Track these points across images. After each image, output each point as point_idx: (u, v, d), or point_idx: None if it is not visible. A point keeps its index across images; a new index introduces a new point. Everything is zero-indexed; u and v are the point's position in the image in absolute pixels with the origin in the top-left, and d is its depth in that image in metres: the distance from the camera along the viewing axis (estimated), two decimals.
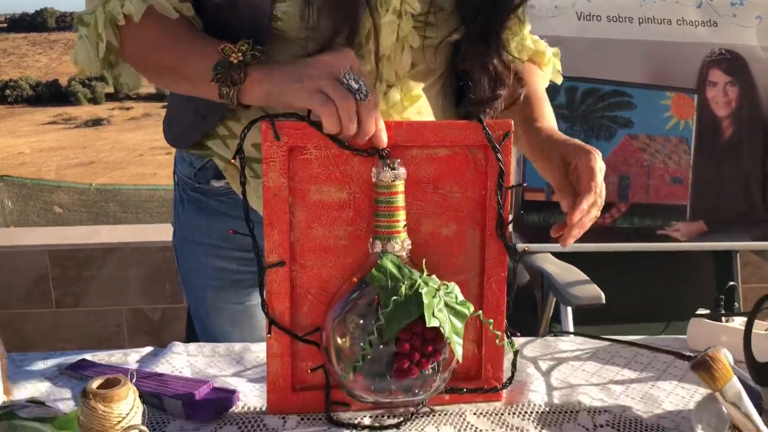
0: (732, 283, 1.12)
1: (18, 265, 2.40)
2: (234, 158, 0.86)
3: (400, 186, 0.84)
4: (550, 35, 2.03)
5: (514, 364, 0.95)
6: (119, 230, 2.52)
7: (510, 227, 0.93)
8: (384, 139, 0.84)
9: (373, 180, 0.84)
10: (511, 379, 0.94)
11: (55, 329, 2.44)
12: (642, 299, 2.16)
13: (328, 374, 0.88)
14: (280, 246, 0.86)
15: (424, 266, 0.84)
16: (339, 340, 0.83)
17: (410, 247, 0.85)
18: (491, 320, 0.89)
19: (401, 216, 0.84)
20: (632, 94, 2.07)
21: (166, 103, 1.25)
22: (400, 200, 0.84)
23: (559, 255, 1.94)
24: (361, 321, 0.81)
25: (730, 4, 2.13)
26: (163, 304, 2.46)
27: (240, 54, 0.88)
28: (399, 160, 0.84)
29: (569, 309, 1.80)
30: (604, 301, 1.63)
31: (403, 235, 0.85)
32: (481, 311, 0.87)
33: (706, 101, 2.08)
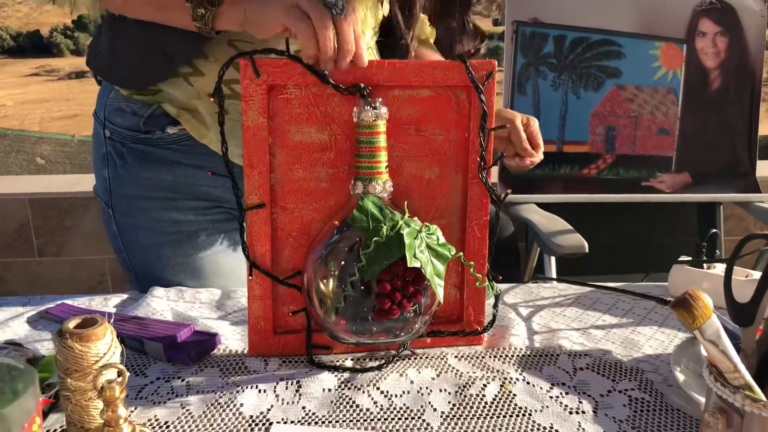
0: (714, 230, 1.12)
1: None
2: (213, 96, 0.83)
3: (381, 126, 0.82)
4: None
5: (495, 306, 0.95)
6: None
7: (494, 173, 0.92)
8: (365, 58, 0.83)
9: (354, 120, 0.83)
10: (492, 322, 0.95)
11: (37, 278, 2.42)
12: (626, 250, 2.17)
13: (310, 317, 0.88)
14: (260, 187, 0.85)
15: (405, 208, 0.83)
16: (320, 283, 0.82)
17: (392, 188, 0.84)
18: (472, 262, 0.88)
19: (383, 157, 0.83)
20: (621, 43, 2.05)
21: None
22: (382, 141, 0.83)
23: (543, 205, 1.94)
24: (343, 263, 0.81)
25: None
26: None
27: None
28: (380, 100, 0.83)
29: (553, 258, 1.80)
30: (587, 251, 1.63)
31: (385, 176, 0.84)
32: (462, 253, 0.87)
33: (695, 52, 2.06)
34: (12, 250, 2.38)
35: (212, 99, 0.83)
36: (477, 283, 0.88)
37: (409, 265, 0.77)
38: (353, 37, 0.81)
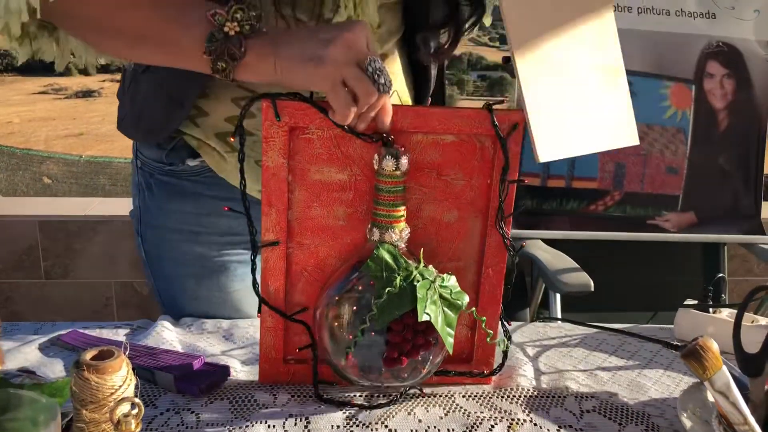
0: (720, 275, 1.13)
1: (8, 236, 2.38)
2: (233, 136, 0.82)
3: (402, 176, 0.82)
4: None
5: (505, 353, 0.95)
6: (110, 203, 2.51)
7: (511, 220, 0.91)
8: (389, 124, 0.81)
9: (375, 167, 0.83)
10: (501, 366, 0.95)
11: (44, 300, 2.43)
12: (630, 288, 2.18)
13: (318, 352, 0.89)
14: (277, 225, 0.86)
15: (421, 257, 0.83)
16: (333, 323, 0.83)
17: (408, 236, 0.84)
18: (484, 318, 0.88)
19: (401, 206, 0.83)
20: (631, 81, 2.07)
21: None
22: (401, 190, 0.82)
23: (549, 242, 1.96)
24: (355, 308, 0.81)
25: None
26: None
27: (236, 24, 0.77)
28: (403, 149, 0.82)
29: (558, 295, 1.81)
30: (592, 289, 1.64)
31: (402, 224, 0.83)
32: (474, 309, 0.87)
33: (704, 92, 2.09)
34: (19, 271, 2.40)
35: (232, 139, 0.82)
36: (488, 339, 0.87)
37: (419, 320, 0.78)
38: (390, 115, 0.79)
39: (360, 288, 0.82)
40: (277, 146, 0.83)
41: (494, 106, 0.83)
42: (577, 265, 1.74)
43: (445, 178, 0.87)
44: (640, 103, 2.03)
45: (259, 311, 0.89)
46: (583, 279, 1.66)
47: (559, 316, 1.84)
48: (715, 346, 0.60)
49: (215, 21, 0.77)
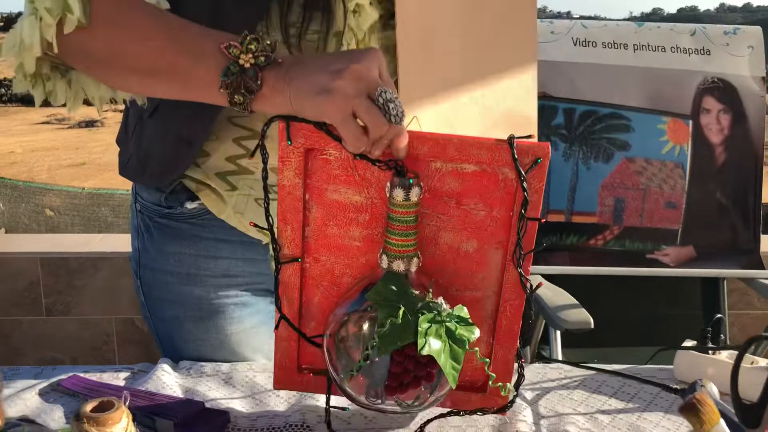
0: (719, 315, 1.14)
1: (9, 272, 2.39)
2: (252, 156, 0.82)
3: (413, 206, 0.80)
4: (546, 60, 2.07)
5: (516, 387, 0.93)
6: (111, 239, 2.52)
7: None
8: (404, 153, 0.79)
9: (387, 195, 0.81)
10: (512, 402, 0.94)
11: (44, 337, 2.43)
12: (630, 322, 2.18)
13: (331, 381, 0.88)
14: (292, 242, 0.86)
15: (430, 288, 0.81)
16: (341, 343, 0.83)
17: (419, 266, 0.83)
18: (488, 360, 0.87)
19: (412, 236, 0.81)
20: (629, 117, 2.10)
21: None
22: (412, 220, 0.81)
23: (549, 277, 1.96)
24: (362, 331, 0.81)
25: (723, 33, 2.17)
26: None
27: (251, 56, 0.77)
28: (416, 179, 0.80)
29: (558, 332, 1.81)
30: (592, 326, 1.65)
31: (412, 254, 0.82)
32: (477, 349, 0.83)
33: (701, 127, 2.11)
34: (20, 308, 2.40)
35: (251, 158, 0.82)
36: (490, 382, 0.87)
37: (420, 353, 0.77)
38: (405, 147, 0.77)
39: (369, 311, 0.81)
40: (293, 167, 0.82)
41: (519, 139, 0.80)
42: (576, 302, 1.75)
43: (465, 208, 0.85)
44: (638, 139, 2.08)
45: (277, 327, 0.89)
46: (582, 316, 1.66)
47: (559, 352, 1.84)
48: (712, 396, 0.61)
49: (229, 53, 0.77)
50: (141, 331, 2.44)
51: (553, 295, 1.79)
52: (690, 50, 2.14)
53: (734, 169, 2.12)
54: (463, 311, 0.81)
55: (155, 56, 0.81)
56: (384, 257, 0.82)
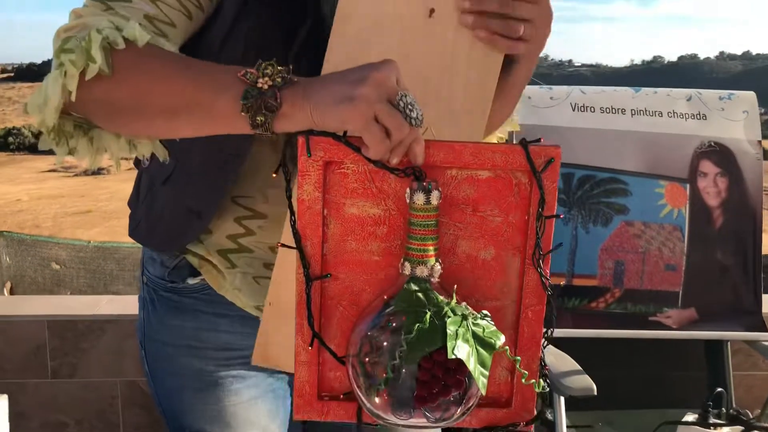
0: (719, 389, 1.15)
1: (16, 336, 2.40)
2: (276, 172, 0.83)
3: (434, 210, 0.80)
4: (545, 125, 2.12)
5: (542, 398, 0.92)
6: (119, 301, 2.54)
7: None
8: (422, 158, 0.80)
9: (407, 201, 0.81)
10: (540, 414, 0.93)
11: (50, 400, 2.43)
12: (634, 384, 2.18)
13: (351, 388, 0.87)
14: (312, 258, 0.86)
15: (454, 293, 0.81)
16: (364, 360, 0.81)
17: (441, 271, 0.83)
18: (518, 358, 0.86)
19: (433, 240, 0.81)
20: (627, 181, 2.14)
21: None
22: (433, 224, 0.81)
23: (552, 341, 1.97)
24: (386, 343, 0.80)
25: (718, 98, 2.22)
26: None
27: (268, 78, 0.79)
28: (435, 183, 0.81)
29: (562, 397, 1.81)
30: (595, 393, 1.65)
31: (434, 259, 0.82)
32: (507, 348, 0.83)
33: (698, 191, 2.15)
34: (26, 371, 2.41)
35: (274, 175, 0.84)
36: (523, 380, 0.85)
37: (449, 356, 0.75)
38: (423, 150, 0.79)
39: (392, 324, 0.80)
40: (312, 180, 0.82)
41: (530, 144, 0.82)
42: (579, 368, 1.76)
43: (481, 214, 0.85)
44: (636, 202, 2.12)
45: (311, 345, 0.87)
46: (585, 383, 1.67)
47: (563, 416, 1.84)
48: None
49: (247, 79, 0.79)
50: (146, 394, 2.44)
51: (555, 360, 1.80)
52: (686, 115, 2.18)
53: (733, 231, 2.14)
54: (488, 318, 0.80)
55: (178, 95, 0.84)
56: (407, 264, 0.82)
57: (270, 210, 1.07)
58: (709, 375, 2.16)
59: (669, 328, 2.07)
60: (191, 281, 1.12)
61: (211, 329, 1.16)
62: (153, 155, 1.04)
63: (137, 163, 1.11)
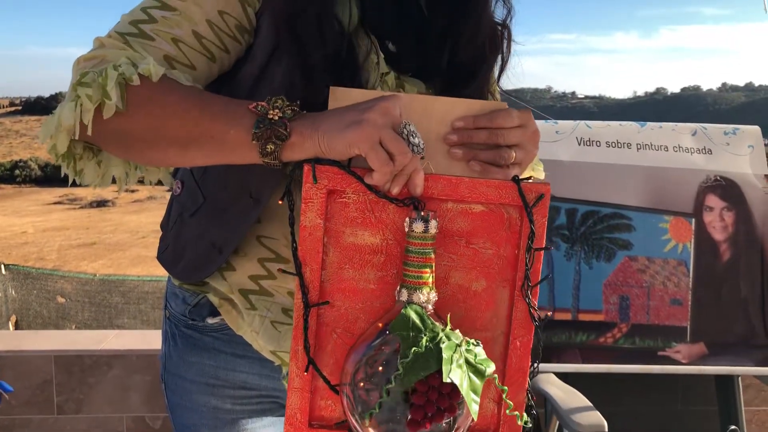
0: (733, 427, 1.14)
1: (23, 371, 2.40)
2: (282, 199, 0.86)
3: (431, 238, 0.84)
4: (551, 159, 2.14)
5: (528, 429, 0.92)
6: (126, 336, 2.54)
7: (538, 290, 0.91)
8: (421, 189, 0.85)
9: (406, 229, 0.85)
10: None
11: None
12: (645, 419, 2.16)
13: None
14: (310, 284, 0.88)
15: (448, 320, 0.84)
16: (358, 385, 0.83)
17: (436, 299, 0.86)
18: (506, 388, 0.88)
19: (430, 268, 0.85)
20: (631, 216, 2.14)
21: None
22: (431, 252, 0.85)
23: (561, 376, 1.96)
24: (381, 368, 0.81)
25: (723, 133, 2.23)
26: (164, 412, 2.41)
27: (278, 110, 0.84)
28: (433, 213, 0.85)
29: None
30: (606, 430, 1.64)
31: (430, 287, 0.85)
32: (496, 376, 0.85)
33: (704, 225, 2.15)
34: (32, 406, 2.40)
35: (280, 202, 0.86)
36: (507, 410, 0.87)
37: (444, 380, 0.77)
38: (423, 178, 0.83)
39: (386, 351, 0.82)
40: (315, 207, 0.86)
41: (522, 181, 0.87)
42: (589, 404, 1.74)
43: (474, 247, 0.89)
44: (640, 238, 2.12)
45: (306, 370, 0.89)
46: (595, 419, 1.66)
47: None
48: None
49: (259, 111, 0.84)
50: (152, 429, 2.43)
51: (565, 396, 1.79)
52: (692, 149, 2.20)
53: (741, 265, 2.14)
54: (479, 347, 0.82)
55: (192, 128, 0.87)
56: (403, 290, 0.85)
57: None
58: (721, 410, 2.14)
59: (679, 362, 2.06)
60: (210, 320, 1.14)
61: (230, 369, 1.16)
62: (185, 185, 1.12)
63: (171, 189, 1.14)
